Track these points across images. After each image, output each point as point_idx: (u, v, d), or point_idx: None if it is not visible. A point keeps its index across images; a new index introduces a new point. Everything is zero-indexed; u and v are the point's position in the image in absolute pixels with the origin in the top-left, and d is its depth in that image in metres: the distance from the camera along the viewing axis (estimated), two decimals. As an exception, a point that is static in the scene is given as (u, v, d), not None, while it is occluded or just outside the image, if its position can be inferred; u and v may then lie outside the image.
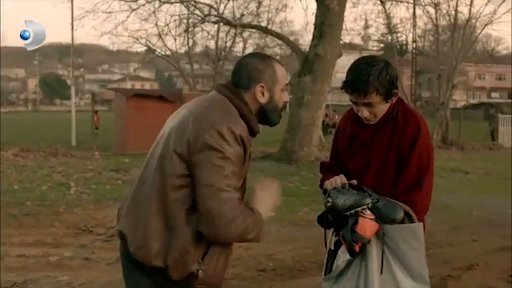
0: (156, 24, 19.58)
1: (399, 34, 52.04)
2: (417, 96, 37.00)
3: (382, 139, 2.31)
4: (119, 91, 17.21)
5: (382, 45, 73.39)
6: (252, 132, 1.98)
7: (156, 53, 25.14)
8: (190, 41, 23.79)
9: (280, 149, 12.77)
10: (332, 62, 12.39)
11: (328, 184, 2.27)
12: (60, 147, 15.54)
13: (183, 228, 1.86)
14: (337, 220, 2.22)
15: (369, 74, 2.19)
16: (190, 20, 16.61)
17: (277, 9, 15.41)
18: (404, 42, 52.59)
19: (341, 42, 13.81)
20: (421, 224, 2.21)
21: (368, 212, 2.17)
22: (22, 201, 7.97)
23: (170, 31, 21.18)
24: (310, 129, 12.36)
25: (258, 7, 14.90)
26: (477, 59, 42.03)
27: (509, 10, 19.02)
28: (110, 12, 13.53)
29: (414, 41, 25.00)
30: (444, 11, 20.42)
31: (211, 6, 14.57)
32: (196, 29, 19.94)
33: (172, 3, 14.00)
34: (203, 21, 14.70)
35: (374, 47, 73.30)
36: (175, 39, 23.52)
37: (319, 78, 12.14)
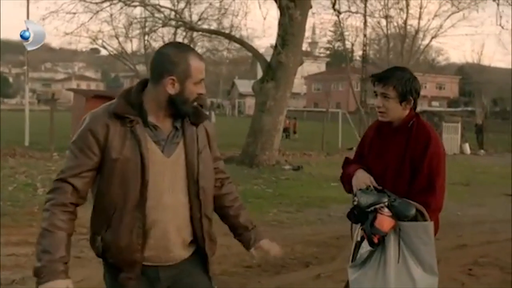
0: (113, 27, 19.48)
1: (346, 42, 53.78)
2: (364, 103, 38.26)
3: (398, 148, 2.68)
4: (79, 92, 17.04)
5: (328, 52, 75.42)
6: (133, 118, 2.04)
7: (110, 53, 24.88)
8: (147, 43, 23.76)
9: (242, 153, 13.10)
10: (294, 69, 12.88)
11: (357, 183, 2.67)
12: (17, 147, 15.25)
13: None
14: (361, 216, 2.57)
15: (395, 72, 2.69)
16: (151, 23, 16.74)
17: (236, 15, 15.72)
18: (350, 50, 54.26)
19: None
20: (432, 222, 2.56)
21: (386, 209, 2.51)
22: (-7, 202, 7.96)
23: (127, 33, 21.18)
24: (272, 134, 12.79)
25: (223, 14, 15.18)
26: (420, 69, 43.86)
27: (454, 25, 20.15)
28: (74, 13, 13.47)
29: (364, 50, 25.95)
30: (395, 23, 21.38)
31: (174, 11, 14.74)
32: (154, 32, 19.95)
33: (135, 6, 14.12)
34: (164, 25, 14.87)
35: (321, 54, 75.22)
36: (131, 41, 23.48)
37: (281, 85, 12.59)
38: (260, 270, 5.22)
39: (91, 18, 13.82)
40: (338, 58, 71.07)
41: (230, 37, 15.68)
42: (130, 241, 2.02)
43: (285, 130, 29.67)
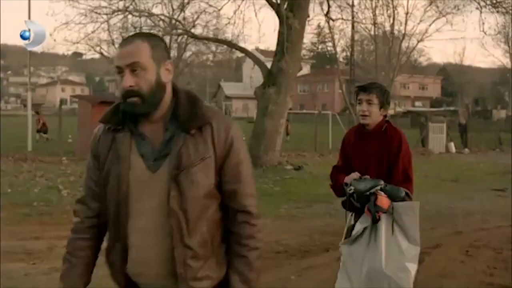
0: (111, 36, 20.13)
1: (330, 45, 54.81)
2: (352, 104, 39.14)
3: (376, 148, 3.30)
4: (84, 99, 17.66)
5: (312, 53, 76.50)
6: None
7: (107, 58, 25.47)
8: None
9: (246, 154, 13.82)
10: (293, 75, 13.70)
11: (349, 178, 3.26)
12: (28, 153, 15.79)
13: None
14: (361, 199, 3.10)
15: (376, 84, 3.45)
16: (151, 30, 17.43)
17: (234, 23, 16.41)
18: (333, 52, 55.16)
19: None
20: (419, 202, 3.16)
21: (382, 192, 3.07)
22: (27, 203, 8.60)
23: (122, 37, 21.82)
24: (274, 136, 13.58)
25: (226, 24, 15.86)
26: (404, 71, 45.04)
27: (439, 29, 21.21)
28: (84, 24, 14.13)
29: (352, 54, 26.91)
30: (382, 29, 22.34)
31: (178, 21, 15.47)
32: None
33: (141, 16, 14.82)
34: (167, 33, 15.57)
35: (305, 56, 76.28)
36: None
37: (282, 90, 13.39)
38: (288, 255, 6.02)
39: (98, 27, 14.49)
40: (322, 60, 72.26)
41: (231, 45, 16.43)
42: (113, 259, 1.88)
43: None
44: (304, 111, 48.84)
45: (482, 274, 5.35)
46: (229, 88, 68.84)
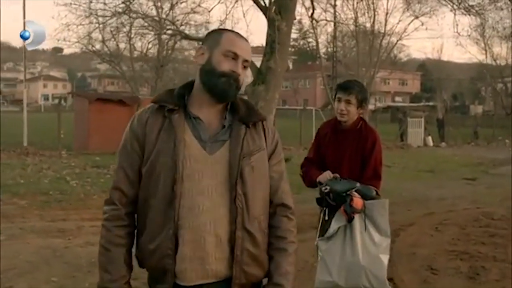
0: (102, 35, 20.83)
1: (311, 40, 55.49)
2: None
3: (351, 144, 3.47)
4: (82, 96, 18.42)
5: (293, 49, 77.38)
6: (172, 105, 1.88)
7: (102, 57, 26.11)
8: (133, 46, 25.24)
9: (236, 148, 14.71)
10: (281, 73, 14.59)
11: (323, 177, 3.39)
12: (25, 148, 16.47)
13: None
14: (338, 199, 3.26)
15: (356, 84, 3.55)
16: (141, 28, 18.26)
17: (222, 24, 17.18)
18: (314, 47, 56.04)
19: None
20: (388, 200, 3.42)
21: (356, 193, 3.25)
22: (43, 192, 9.43)
23: (113, 37, 22.61)
24: (263, 131, 14.45)
25: (221, 24, 16.56)
26: (384, 66, 46.00)
27: (417, 28, 22.32)
28: (82, 25, 14.88)
29: (334, 52, 27.93)
30: (363, 27, 23.38)
31: (172, 22, 16.23)
32: (138, 36, 21.29)
33: (137, 18, 15.57)
34: (160, 33, 16.33)
35: (287, 52, 76.78)
36: (117, 45, 24.85)
37: (271, 88, 14.27)
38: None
39: (95, 28, 15.25)
40: (303, 56, 73.19)
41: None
42: (160, 243, 1.80)
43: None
44: (287, 106, 49.76)
45: (447, 244, 6.37)
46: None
